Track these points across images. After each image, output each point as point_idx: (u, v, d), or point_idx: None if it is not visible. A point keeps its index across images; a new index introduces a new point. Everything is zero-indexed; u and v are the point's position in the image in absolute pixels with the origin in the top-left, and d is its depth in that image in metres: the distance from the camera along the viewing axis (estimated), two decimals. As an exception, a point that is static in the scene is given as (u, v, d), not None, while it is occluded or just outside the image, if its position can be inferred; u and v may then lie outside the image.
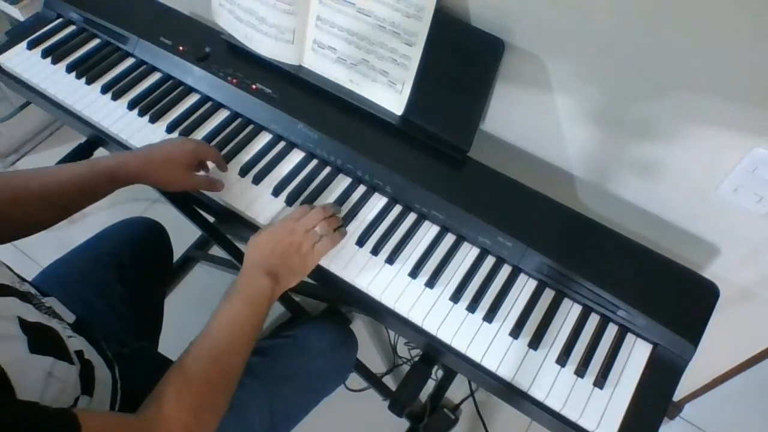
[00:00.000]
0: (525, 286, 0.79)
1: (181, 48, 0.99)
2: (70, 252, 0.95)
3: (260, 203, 0.85)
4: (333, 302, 1.44)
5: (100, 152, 0.99)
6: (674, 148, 0.76)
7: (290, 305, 1.24)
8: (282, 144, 0.92)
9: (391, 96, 0.89)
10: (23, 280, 0.63)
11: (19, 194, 0.71)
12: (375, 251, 0.80)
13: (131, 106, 0.95)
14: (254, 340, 0.69)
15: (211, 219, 1.07)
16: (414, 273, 0.78)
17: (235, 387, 0.65)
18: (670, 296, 0.75)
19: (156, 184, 0.80)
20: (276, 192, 0.86)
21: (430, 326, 0.75)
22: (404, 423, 1.30)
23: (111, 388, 0.65)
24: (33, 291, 0.62)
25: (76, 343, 0.60)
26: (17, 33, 1.06)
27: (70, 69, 1.00)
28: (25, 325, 0.52)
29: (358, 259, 0.80)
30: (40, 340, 0.53)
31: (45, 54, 1.02)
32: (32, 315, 0.55)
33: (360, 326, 1.50)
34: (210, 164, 0.87)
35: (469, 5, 0.79)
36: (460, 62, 0.82)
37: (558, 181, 0.91)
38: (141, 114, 0.95)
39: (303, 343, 0.88)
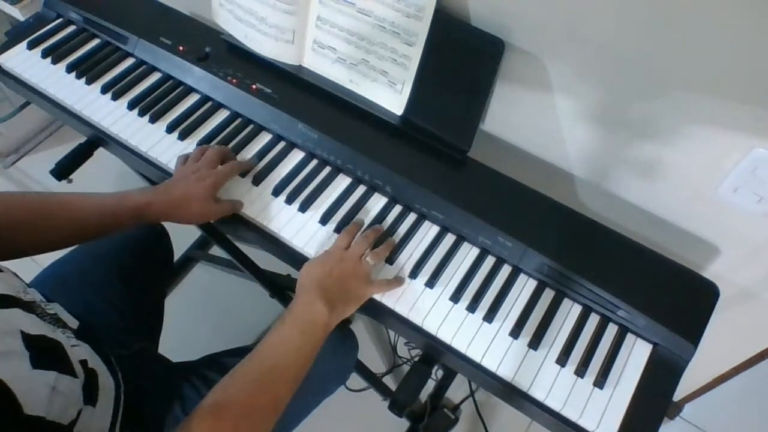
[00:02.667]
0: (525, 286, 0.79)
1: (181, 48, 0.99)
2: (70, 252, 0.95)
3: (260, 203, 0.85)
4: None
5: (100, 152, 0.99)
6: (674, 148, 0.76)
7: (290, 305, 1.23)
8: (282, 144, 0.92)
9: (391, 96, 0.89)
10: (29, 286, 0.63)
11: (49, 213, 0.73)
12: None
13: (131, 106, 0.95)
14: (305, 370, 0.66)
15: (211, 219, 1.07)
16: (414, 273, 0.78)
17: (277, 417, 0.62)
18: (670, 296, 0.75)
19: (181, 222, 0.81)
20: (276, 192, 0.86)
21: (430, 326, 0.75)
22: (404, 423, 1.30)
23: (114, 394, 0.65)
24: (38, 299, 0.61)
25: (80, 352, 0.60)
26: (17, 33, 1.06)
27: (70, 69, 1.00)
28: (27, 339, 0.51)
29: (358, 259, 0.80)
30: (43, 354, 0.52)
31: (45, 54, 1.02)
32: (35, 327, 0.54)
33: (360, 326, 1.50)
34: None
35: (469, 5, 0.79)
36: (460, 62, 0.82)
37: (558, 181, 0.91)
38: (141, 114, 0.94)
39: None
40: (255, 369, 0.63)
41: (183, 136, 0.92)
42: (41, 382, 0.50)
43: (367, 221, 0.84)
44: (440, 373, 1.36)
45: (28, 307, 0.57)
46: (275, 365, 0.64)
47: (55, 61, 1.01)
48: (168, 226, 1.07)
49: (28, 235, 0.72)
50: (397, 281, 0.77)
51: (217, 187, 0.81)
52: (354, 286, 0.73)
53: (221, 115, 0.95)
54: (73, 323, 0.65)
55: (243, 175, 0.88)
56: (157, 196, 0.78)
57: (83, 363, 0.58)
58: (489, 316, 0.75)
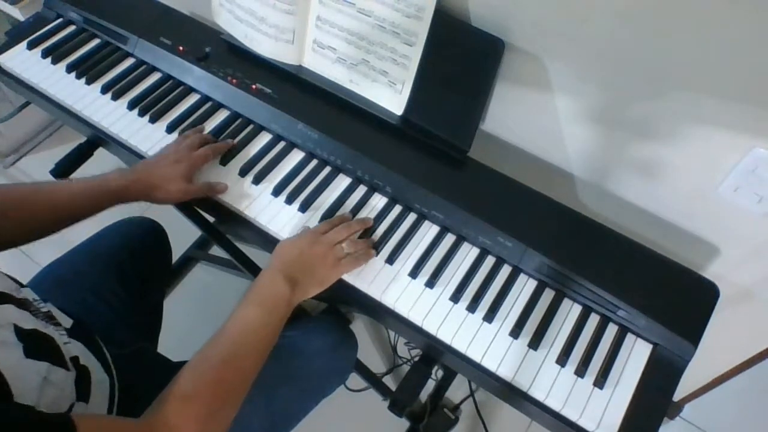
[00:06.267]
0: (525, 286, 0.79)
1: (181, 48, 0.99)
2: (69, 252, 0.94)
3: (260, 203, 0.85)
4: (333, 302, 1.43)
5: (101, 152, 0.99)
6: (674, 148, 0.76)
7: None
8: (282, 144, 0.92)
9: (391, 96, 0.89)
10: (21, 285, 0.63)
11: (29, 201, 0.74)
12: (375, 251, 0.80)
13: (131, 106, 0.95)
14: (270, 346, 0.68)
15: (211, 219, 1.07)
16: (414, 273, 0.78)
17: (245, 395, 0.64)
18: (670, 296, 0.75)
19: (159, 202, 0.83)
20: (276, 192, 0.86)
21: (430, 326, 0.75)
22: (404, 423, 1.30)
23: (108, 391, 0.65)
24: (31, 297, 0.61)
25: (72, 349, 0.60)
26: (17, 33, 1.06)
27: (70, 69, 1.00)
28: (20, 332, 0.52)
29: (358, 259, 0.80)
30: (36, 346, 0.52)
31: (45, 54, 1.02)
32: (28, 322, 0.55)
33: (360, 326, 1.50)
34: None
35: (469, 5, 0.79)
36: (460, 62, 0.82)
37: (558, 181, 0.91)
38: (141, 114, 0.95)
39: (303, 344, 0.88)
40: (222, 348, 0.64)
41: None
42: (33, 371, 0.50)
43: (367, 221, 0.84)
44: (440, 373, 1.36)
45: (21, 304, 0.57)
46: (242, 343, 0.65)
47: (55, 61, 1.01)
48: (167, 226, 1.07)
49: (6, 228, 0.72)
50: (366, 255, 0.78)
51: (193, 168, 0.83)
52: (319, 270, 0.75)
53: (221, 115, 0.95)
54: (67, 322, 0.65)
55: (243, 174, 0.88)
56: (137, 177, 0.80)
57: (75, 360, 0.59)
58: (489, 316, 0.75)
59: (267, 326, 0.68)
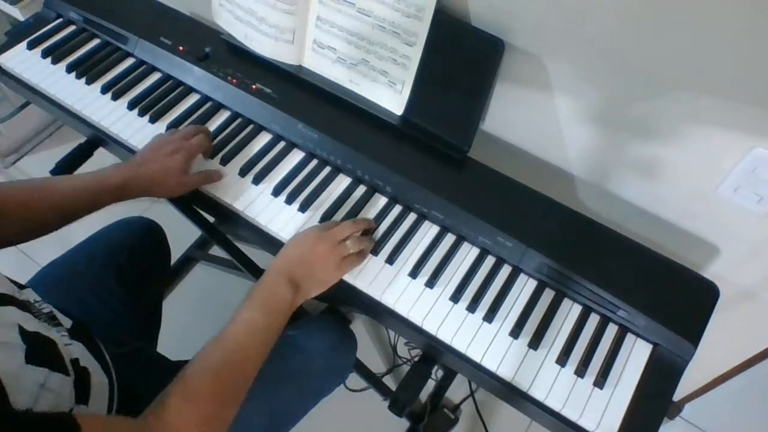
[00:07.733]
0: (525, 286, 0.79)
1: (181, 48, 0.99)
2: (67, 252, 0.95)
3: (260, 203, 0.85)
4: (333, 302, 1.43)
5: (100, 152, 0.99)
6: (674, 148, 0.76)
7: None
8: (282, 144, 0.92)
9: (391, 96, 0.89)
10: (21, 287, 0.63)
11: (28, 200, 0.74)
12: (375, 251, 0.80)
13: (131, 106, 0.95)
14: (269, 348, 0.68)
15: (211, 219, 1.07)
16: (414, 273, 0.78)
17: (243, 397, 0.64)
18: (670, 296, 0.75)
19: (159, 196, 0.84)
20: (276, 192, 0.86)
21: (430, 326, 0.75)
22: (404, 423, 1.30)
23: (108, 392, 0.65)
24: (32, 299, 0.61)
25: (72, 350, 0.60)
26: (17, 33, 1.06)
27: (70, 69, 1.00)
28: (24, 333, 0.52)
29: (358, 259, 0.80)
30: (38, 350, 0.52)
31: (45, 54, 1.02)
32: (31, 324, 0.55)
33: (360, 326, 1.50)
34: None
35: (469, 5, 0.79)
36: (460, 62, 0.82)
37: (558, 181, 0.91)
38: (141, 114, 0.95)
39: (302, 343, 0.88)
40: (223, 351, 0.64)
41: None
42: (31, 378, 0.50)
43: (367, 221, 0.83)
44: (440, 373, 1.36)
45: (23, 306, 0.57)
46: (242, 346, 0.66)
47: (55, 61, 1.01)
48: (167, 226, 1.07)
49: (7, 227, 0.72)
50: (362, 255, 0.78)
51: (190, 158, 0.84)
52: (322, 271, 0.75)
53: (221, 115, 0.95)
54: (67, 323, 0.65)
55: (243, 174, 0.88)
56: (137, 173, 0.80)
57: (75, 362, 0.59)
58: (489, 316, 0.75)
59: (268, 329, 0.69)
